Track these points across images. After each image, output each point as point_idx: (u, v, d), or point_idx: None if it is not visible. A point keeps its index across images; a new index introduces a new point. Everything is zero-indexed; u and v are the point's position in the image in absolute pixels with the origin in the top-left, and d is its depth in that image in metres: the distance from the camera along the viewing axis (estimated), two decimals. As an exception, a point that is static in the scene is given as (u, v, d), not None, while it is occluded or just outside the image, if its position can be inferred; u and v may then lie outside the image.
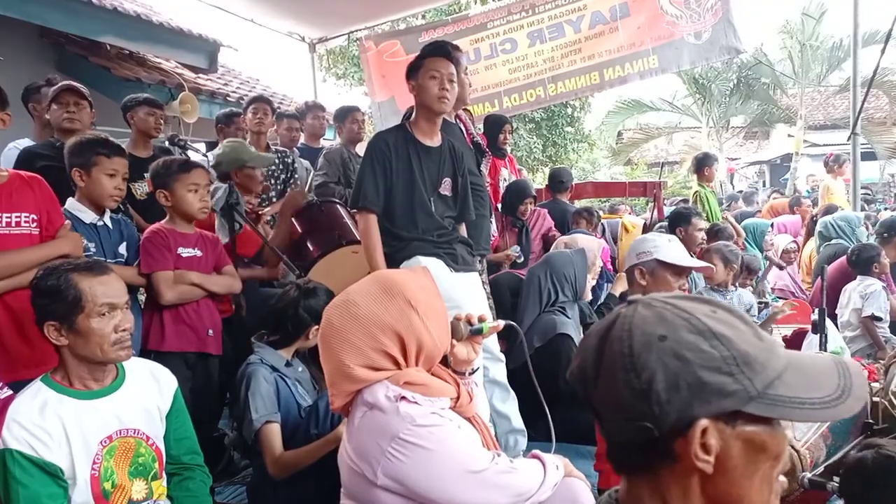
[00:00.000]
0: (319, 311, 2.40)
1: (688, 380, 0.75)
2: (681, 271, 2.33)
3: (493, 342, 2.78)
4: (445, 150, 2.88)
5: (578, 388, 0.84)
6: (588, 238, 3.63)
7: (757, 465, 0.78)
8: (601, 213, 6.18)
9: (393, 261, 2.71)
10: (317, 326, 2.41)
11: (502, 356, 2.88)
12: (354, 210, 2.84)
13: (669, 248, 2.33)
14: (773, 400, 0.75)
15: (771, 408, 0.75)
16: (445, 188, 2.89)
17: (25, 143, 3.46)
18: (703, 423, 0.75)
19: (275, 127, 4.67)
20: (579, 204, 5.95)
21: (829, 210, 6.10)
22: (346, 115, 4.80)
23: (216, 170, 3.50)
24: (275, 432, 2.30)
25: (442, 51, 2.79)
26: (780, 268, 5.78)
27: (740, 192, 12.82)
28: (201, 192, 2.79)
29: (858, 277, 4.31)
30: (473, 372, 1.86)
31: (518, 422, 2.87)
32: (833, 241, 5.34)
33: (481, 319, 1.80)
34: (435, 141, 2.85)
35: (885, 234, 4.60)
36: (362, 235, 2.79)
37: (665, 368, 0.75)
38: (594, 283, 3.44)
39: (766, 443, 0.78)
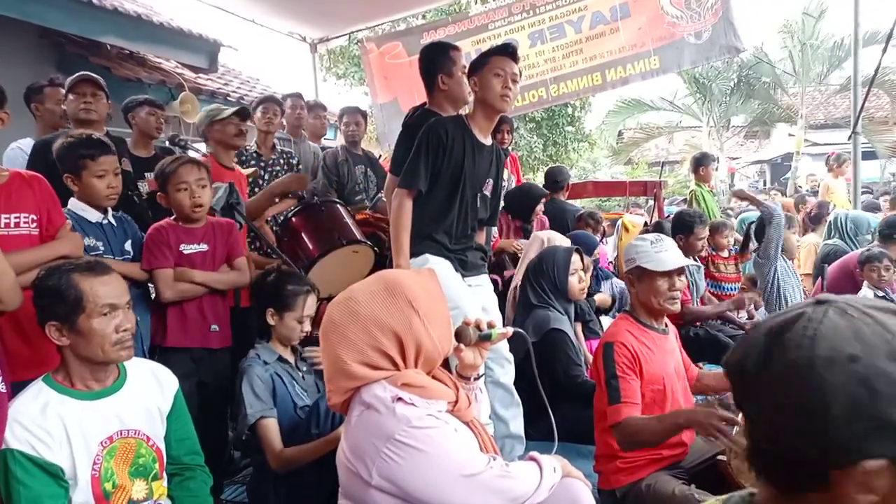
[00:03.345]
0: (266, 290, 2.45)
1: (871, 413, 0.65)
2: (669, 273, 2.27)
3: (502, 343, 2.69)
4: (493, 151, 2.87)
5: (732, 378, 0.76)
6: (562, 237, 3.61)
7: None
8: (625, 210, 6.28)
9: None
10: (271, 310, 2.43)
11: (511, 357, 2.80)
12: (402, 188, 2.72)
13: (651, 254, 2.28)
14: None
15: None
16: (487, 189, 2.87)
17: (27, 143, 3.46)
18: (872, 464, 0.65)
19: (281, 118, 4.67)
20: (579, 203, 5.94)
21: (822, 206, 6.09)
22: (343, 116, 4.92)
23: (197, 130, 3.67)
24: (272, 427, 2.32)
25: (507, 50, 2.75)
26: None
27: (745, 190, 12.78)
28: (192, 188, 2.71)
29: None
30: (479, 377, 1.86)
31: (517, 429, 2.79)
32: (831, 242, 5.32)
33: (490, 325, 1.79)
34: (487, 139, 2.84)
35: (888, 233, 4.52)
36: (395, 213, 2.71)
37: (847, 395, 0.65)
38: (584, 284, 3.38)
39: None
